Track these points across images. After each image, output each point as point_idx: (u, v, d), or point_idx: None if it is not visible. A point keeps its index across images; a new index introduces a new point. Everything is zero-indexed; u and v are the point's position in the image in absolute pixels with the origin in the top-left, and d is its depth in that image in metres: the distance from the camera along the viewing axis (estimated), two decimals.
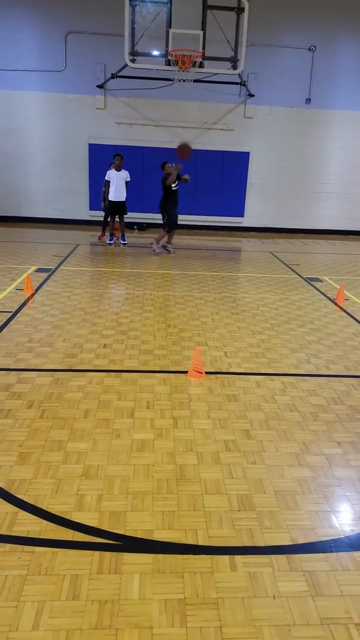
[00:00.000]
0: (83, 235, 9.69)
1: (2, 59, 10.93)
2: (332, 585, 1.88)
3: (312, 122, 11.84)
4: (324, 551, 2.05)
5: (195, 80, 9.31)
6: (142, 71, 9.89)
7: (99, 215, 10.60)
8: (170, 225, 8.76)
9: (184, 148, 8.37)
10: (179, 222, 8.98)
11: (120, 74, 10.42)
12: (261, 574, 1.92)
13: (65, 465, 2.53)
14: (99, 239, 9.80)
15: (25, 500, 2.26)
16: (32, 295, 5.77)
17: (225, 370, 3.89)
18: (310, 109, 11.76)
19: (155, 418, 3.07)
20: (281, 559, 2.00)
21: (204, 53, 8.85)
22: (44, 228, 11.12)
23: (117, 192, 9.00)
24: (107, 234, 9.50)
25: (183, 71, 8.83)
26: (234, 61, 9.42)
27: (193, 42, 8.80)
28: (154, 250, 8.76)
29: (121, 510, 2.22)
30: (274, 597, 1.82)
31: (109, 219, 9.40)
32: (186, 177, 8.47)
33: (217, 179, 12.00)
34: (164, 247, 8.98)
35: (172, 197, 8.64)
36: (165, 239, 8.95)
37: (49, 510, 2.20)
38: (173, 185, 8.49)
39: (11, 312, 5.09)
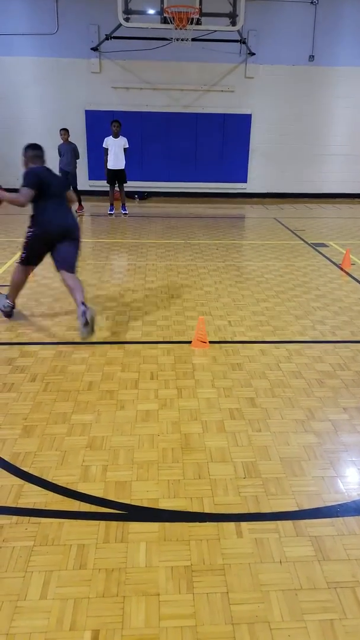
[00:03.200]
0: (84, 205, 9.50)
1: None
2: (338, 549, 1.88)
3: (316, 80, 11.35)
4: (330, 516, 2.04)
5: (193, 39, 8.88)
6: (137, 31, 9.46)
7: (99, 185, 10.37)
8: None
9: None
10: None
11: (115, 34, 9.99)
12: (267, 539, 1.92)
13: (70, 437, 2.53)
14: (77, 211, 9.49)
15: (30, 472, 2.26)
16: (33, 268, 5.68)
17: (230, 339, 3.84)
18: (314, 66, 11.25)
19: (159, 388, 3.05)
20: (287, 524, 2.00)
21: (201, 9, 8.43)
22: None
23: (115, 160, 8.76)
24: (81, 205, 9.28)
25: (180, 29, 8.43)
26: (232, 17, 8.97)
27: None
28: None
29: (126, 480, 2.22)
30: (280, 562, 1.82)
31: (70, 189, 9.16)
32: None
33: (219, 144, 11.64)
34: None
35: None
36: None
37: (54, 482, 2.20)
38: None
39: None
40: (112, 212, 9.25)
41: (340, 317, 4.36)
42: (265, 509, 2.08)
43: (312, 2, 10.78)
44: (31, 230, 3.81)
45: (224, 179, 11.89)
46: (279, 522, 2.01)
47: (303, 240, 7.56)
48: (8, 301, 4.09)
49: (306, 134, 11.75)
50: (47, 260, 6.06)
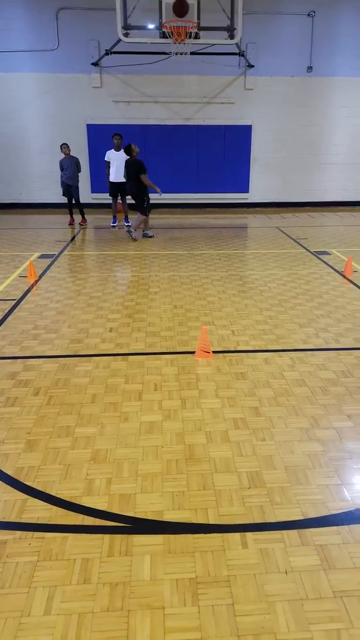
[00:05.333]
0: (87, 218, 9.58)
1: None
2: (344, 558, 1.86)
3: (315, 90, 11.46)
4: (336, 524, 2.03)
5: (192, 53, 9.00)
6: (137, 46, 9.61)
7: (102, 197, 10.47)
8: (150, 209, 8.40)
9: None
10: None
11: (115, 49, 10.14)
12: (273, 549, 1.91)
13: (74, 450, 2.53)
14: (70, 224, 9.51)
15: (34, 487, 2.26)
16: (36, 282, 5.75)
17: (233, 349, 3.84)
18: (312, 77, 11.36)
19: (163, 399, 3.05)
20: (292, 534, 1.98)
21: (199, 23, 8.55)
22: (46, 213, 11.04)
23: (117, 172, 8.85)
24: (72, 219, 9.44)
25: (179, 43, 8.55)
26: (230, 30, 9.09)
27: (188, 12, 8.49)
28: (133, 238, 8.09)
29: (131, 493, 2.22)
30: (286, 572, 1.81)
31: (73, 202, 9.29)
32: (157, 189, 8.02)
33: (220, 155, 11.74)
34: (145, 234, 8.53)
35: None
36: (142, 224, 8.46)
37: (58, 496, 2.20)
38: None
39: (15, 299, 5.08)
40: (114, 225, 9.32)
41: (343, 324, 4.35)
42: (271, 518, 2.07)
43: (309, 15, 10.92)
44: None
45: (225, 190, 11.97)
46: (284, 532, 2.00)
47: (305, 248, 7.58)
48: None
49: (306, 143, 11.83)
50: (51, 275, 6.12)
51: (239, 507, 2.13)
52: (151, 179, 8.11)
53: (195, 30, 8.55)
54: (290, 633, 1.58)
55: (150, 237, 8.51)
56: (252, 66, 11.12)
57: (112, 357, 3.69)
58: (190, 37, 8.56)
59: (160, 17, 8.55)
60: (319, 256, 7.01)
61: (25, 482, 2.29)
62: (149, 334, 4.14)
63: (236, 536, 1.98)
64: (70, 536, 1.97)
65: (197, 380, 3.32)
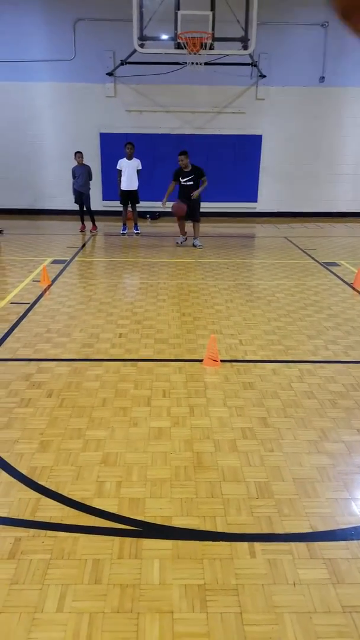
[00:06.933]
0: (97, 225, 9.69)
1: (12, 50, 10.88)
2: (353, 573, 1.88)
3: (327, 101, 11.54)
4: (345, 539, 2.04)
5: (206, 63, 9.13)
6: (151, 56, 9.75)
7: (113, 205, 10.57)
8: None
9: (178, 208, 8.16)
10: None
11: (130, 60, 10.30)
12: (281, 561, 1.92)
13: (85, 452, 2.57)
14: (81, 231, 9.62)
15: (47, 486, 2.30)
16: (49, 286, 5.81)
17: (241, 358, 3.87)
18: (324, 87, 11.46)
19: (171, 406, 3.08)
20: (301, 546, 2.00)
21: (213, 34, 8.68)
22: (58, 220, 11.16)
23: (128, 181, 8.96)
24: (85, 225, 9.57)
25: (193, 54, 8.68)
26: (244, 41, 9.21)
27: (202, 23, 8.63)
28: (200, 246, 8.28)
29: (140, 497, 2.25)
30: (294, 584, 1.82)
31: (84, 209, 9.39)
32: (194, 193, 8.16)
33: (229, 164, 11.83)
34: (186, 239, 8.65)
35: None
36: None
37: (70, 496, 2.24)
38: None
39: (29, 303, 5.14)
40: (124, 232, 9.40)
41: (353, 337, 4.37)
42: (279, 529, 2.09)
43: (322, 25, 11.04)
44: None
45: (234, 199, 12.05)
46: (292, 544, 2.01)
47: (314, 259, 7.61)
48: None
49: (317, 153, 11.90)
50: (63, 280, 6.19)
51: (247, 516, 2.15)
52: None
53: (210, 41, 8.68)
54: None
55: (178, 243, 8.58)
56: (264, 76, 11.24)
57: (121, 362, 3.73)
58: (204, 48, 8.69)
59: (176, 28, 8.69)
60: (328, 267, 7.04)
61: (38, 482, 2.33)
62: (158, 340, 4.18)
63: (244, 545, 2.00)
64: (82, 537, 2.00)
65: (205, 388, 3.35)
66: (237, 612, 1.70)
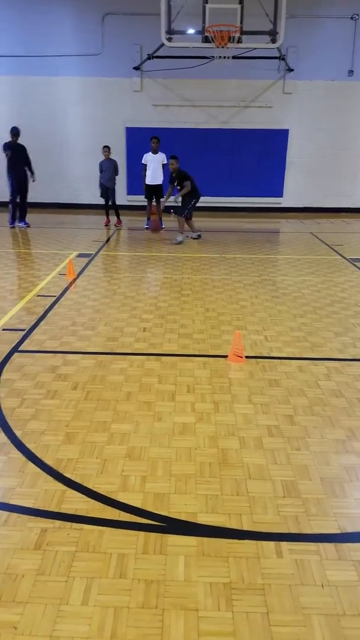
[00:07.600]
0: (122, 220, 9.71)
1: (41, 45, 10.98)
2: None
3: (355, 95, 11.27)
4: None
5: (233, 57, 9.02)
6: (178, 50, 9.69)
7: (137, 200, 10.58)
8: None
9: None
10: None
11: (157, 54, 10.25)
12: (308, 561, 1.88)
13: (110, 446, 2.57)
14: (105, 225, 9.63)
15: (72, 479, 2.31)
16: (74, 280, 5.86)
17: (266, 355, 3.81)
18: (353, 81, 11.18)
19: (195, 402, 3.06)
20: (329, 547, 1.95)
21: (241, 27, 8.56)
22: (84, 214, 11.24)
23: (153, 175, 8.94)
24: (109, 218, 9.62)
25: (221, 47, 8.58)
26: (273, 34, 9.05)
27: (230, 16, 8.52)
28: (179, 241, 8.18)
29: (165, 492, 2.23)
30: (322, 585, 1.78)
31: (110, 204, 9.40)
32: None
33: (255, 159, 11.69)
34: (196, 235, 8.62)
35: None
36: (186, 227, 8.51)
37: (95, 489, 2.24)
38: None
39: (55, 296, 5.19)
40: (148, 227, 9.40)
41: None
42: (306, 529, 2.04)
43: (352, 17, 10.76)
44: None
45: (259, 194, 11.90)
46: (320, 544, 1.97)
47: (341, 255, 7.45)
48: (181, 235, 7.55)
49: (344, 148, 11.64)
50: (88, 273, 6.23)
51: (274, 515, 2.12)
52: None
53: (238, 35, 8.56)
54: None
55: (199, 237, 8.57)
56: (292, 70, 11.04)
57: (145, 356, 3.72)
58: (232, 41, 8.58)
59: (204, 22, 8.60)
60: (355, 263, 6.88)
61: (64, 474, 2.34)
62: (182, 335, 4.16)
63: (271, 545, 1.96)
64: (107, 530, 2.00)
65: (229, 384, 3.32)
66: (264, 612, 1.67)
